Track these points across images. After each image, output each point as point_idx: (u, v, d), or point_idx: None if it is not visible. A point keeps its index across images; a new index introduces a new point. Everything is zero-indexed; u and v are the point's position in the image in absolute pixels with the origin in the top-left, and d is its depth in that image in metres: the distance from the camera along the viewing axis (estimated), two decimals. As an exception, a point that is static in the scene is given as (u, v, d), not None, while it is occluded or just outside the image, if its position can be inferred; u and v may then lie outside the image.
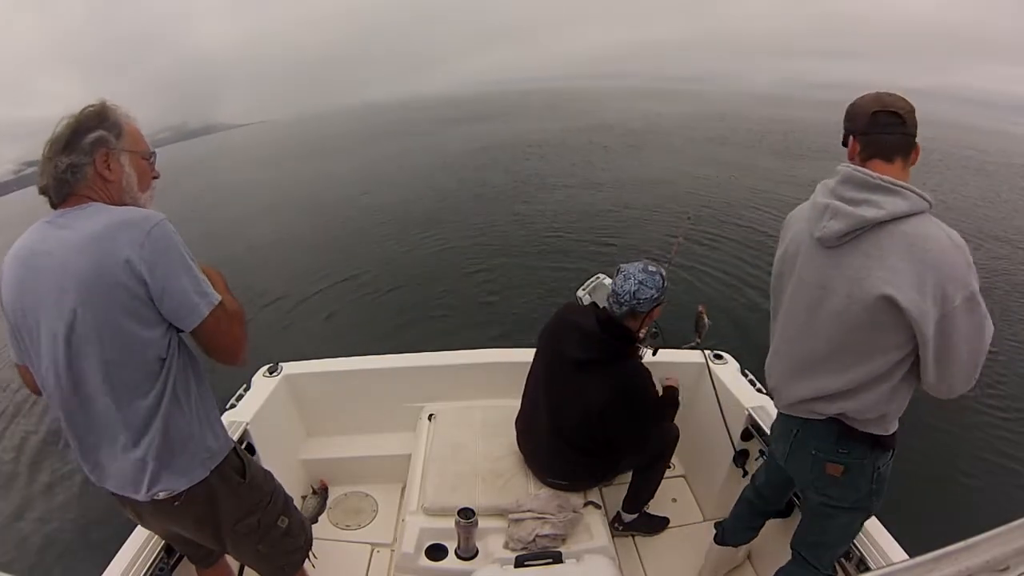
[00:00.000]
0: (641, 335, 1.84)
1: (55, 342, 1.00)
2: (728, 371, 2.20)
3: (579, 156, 13.65)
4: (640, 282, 1.57)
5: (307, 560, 1.46)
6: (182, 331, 1.08)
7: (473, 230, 8.05)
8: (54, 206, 1.05)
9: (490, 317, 5.40)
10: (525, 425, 1.90)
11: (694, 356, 2.27)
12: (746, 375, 2.19)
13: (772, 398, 1.48)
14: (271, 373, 2.24)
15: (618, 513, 2.05)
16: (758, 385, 2.11)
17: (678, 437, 1.95)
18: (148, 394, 1.05)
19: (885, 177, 1.12)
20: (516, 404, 1.95)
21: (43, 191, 1.05)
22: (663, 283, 1.61)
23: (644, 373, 1.68)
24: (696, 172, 11.37)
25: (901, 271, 1.08)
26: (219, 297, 1.08)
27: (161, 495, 1.10)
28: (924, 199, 1.11)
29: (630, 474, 1.97)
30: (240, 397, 2.08)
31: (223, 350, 1.12)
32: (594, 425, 1.67)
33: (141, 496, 1.10)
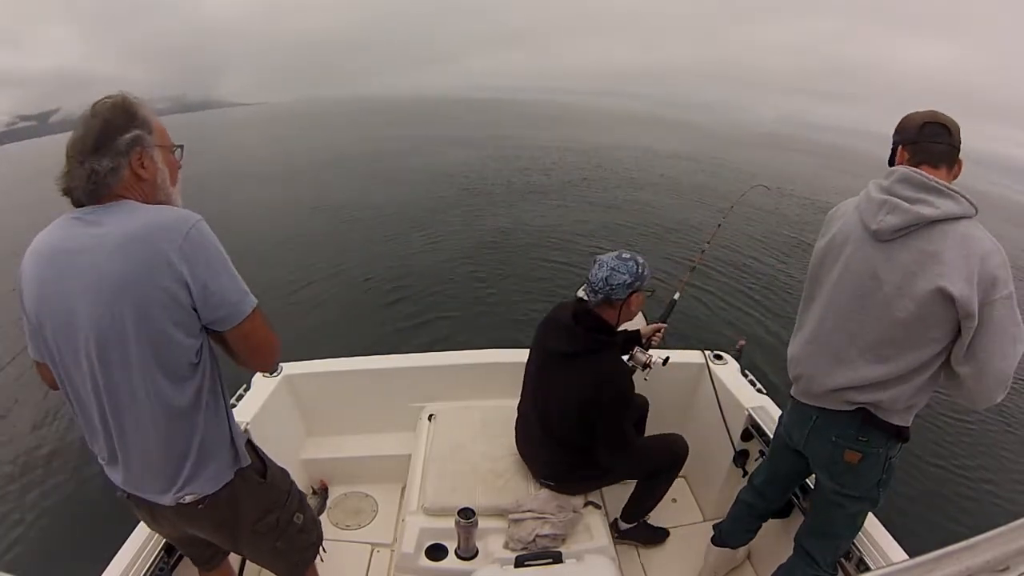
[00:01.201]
0: (647, 339, 1.83)
1: (88, 343, 0.98)
2: (728, 371, 2.20)
3: (584, 171, 13.63)
4: (612, 268, 1.55)
5: (318, 556, 1.47)
6: (220, 331, 1.05)
7: (475, 232, 8.06)
8: (81, 205, 1.01)
9: (491, 317, 5.41)
10: (522, 424, 1.90)
11: (694, 356, 2.27)
12: (746, 375, 2.18)
13: (795, 385, 1.48)
14: (271, 373, 2.24)
15: (615, 520, 2.02)
16: (758, 385, 2.11)
17: (688, 450, 1.89)
18: (182, 398, 1.04)
19: (940, 181, 1.19)
20: (516, 404, 1.95)
21: (67, 193, 1.00)
22: (639, 270, 1.57)
23: (620, 368, 1.65)
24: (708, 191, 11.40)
25: (953, 265, 1.14)
26: (256, 300, 1.07)
27: (187, 499, 1.10)
28: (973, 205, 1.18)
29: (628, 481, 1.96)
30: (240, 397, 2.08)
31: (258, 352, 1.12)
32: (576, 418, 1.64)
33: (167, 500, 1.09)
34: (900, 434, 1.31)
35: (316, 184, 12.64)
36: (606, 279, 1.55)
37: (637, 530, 2.03)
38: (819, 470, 1.48)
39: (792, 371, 1.48)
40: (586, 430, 1.65)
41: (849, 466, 1.36)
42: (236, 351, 1.10)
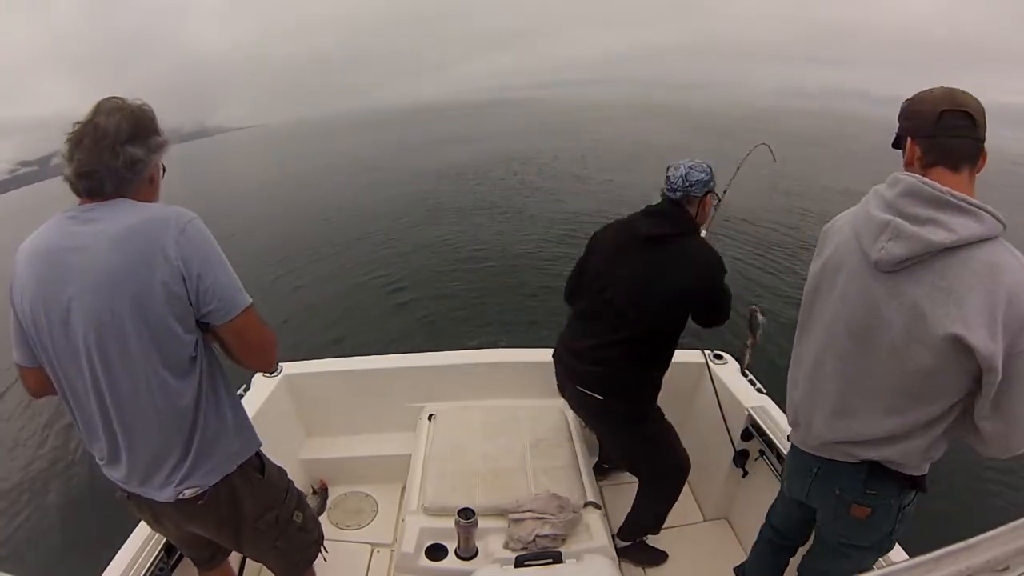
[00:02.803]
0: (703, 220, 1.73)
1: (88, 340, 0.98)
2: (728, 371, 2.20)
3: (576, 168, 13.62)
4: (690, 167, 1.62)
5: (320, 555, 1.48)
6: (214, 324, 1.06)
7: (474, 234, 8.07)
8: (91, 197, 1.00)
9: (490, 318, 5.41)
10: (578, 327, 1.78)
11: (694, 356, 2.27)
12: (746, 375, 2.18)
13: (792, 430, 1.30)
14: (271, 373, 2.24)
15: (612, 536, 1.92)
16: (758, 385, 2.11)
17: (689, 468, 1.84)
18: (183, 392, 1.05)
19: (957, 193, 0.96)
20: (516, 404, 1.94)
21: (87, 176, 0.97)
22: (711, 171, 1.64)
23: (715, 255, 1.63)
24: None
25: (971, 306, 0.92)
26: (250, 299, 1.09)
27: (187, 493, 1.10)
28: (1000, 221, 0.95)
29: (629, 476, 1.94)
30: (240, 397, 2.08)
31: (252, 350, 1.13)
32: (660, 305, 1.61)
33: (167, 495, 1.10)
34: (916, 484, 1.15)
35: (314, 193, 12.74)
36: (685, 176, 1.61)
37: (634, 549, 1.96)
38: (824, 523, 1.32)
39: (788, 415, 1.30)
40: (672, 316, 1.63)
41: (858, 521, 1.21)
42: (231, 348, 1.11)
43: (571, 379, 1.76)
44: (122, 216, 0.98)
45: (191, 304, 1.01)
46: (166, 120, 1.08)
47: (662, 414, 1.80)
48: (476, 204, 10.00)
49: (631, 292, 1.63)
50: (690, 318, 1.68)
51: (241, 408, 1.21)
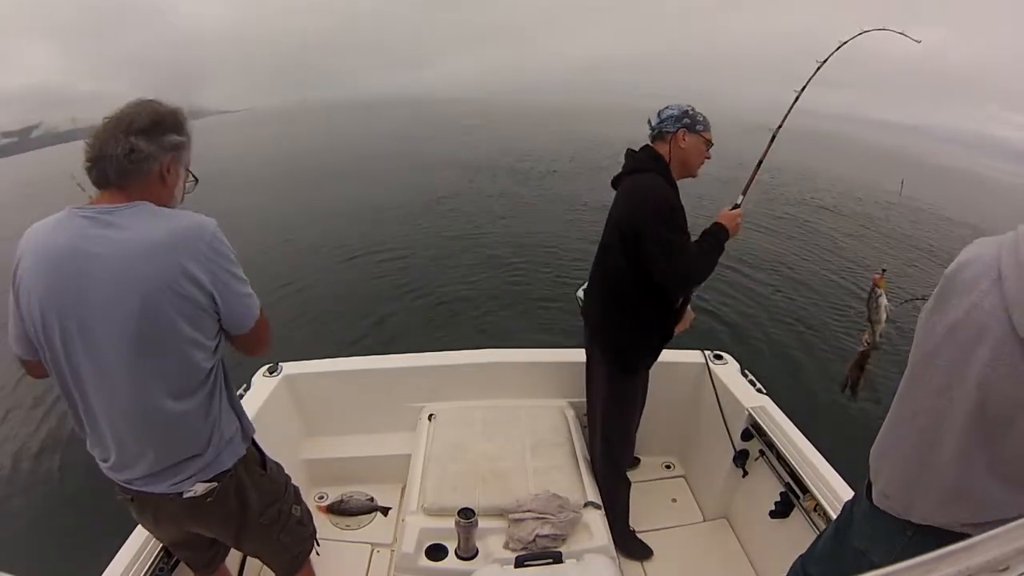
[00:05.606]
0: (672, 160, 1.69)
1: (119, 352, 0.97)
2: (728, 371, 2.20)
3: (580, 179, 13.62)
4: (666, 106, 1.70)
5: (313, 549, 1.50)
6: (234, 334, 1.11)
7: (473, 234, 8.06)
8: (104, 181, 0.99)
9: (490, 318, 5.41)
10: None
11: (694, 356, 2.28)
12: (746, 375, 2.18)
13: (880, 496, 1.06)
14: (271, 373, 2.24)
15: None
16: (758, 385, 2.12)
17: (630, 456, 1.93)
18: (202, 393, 1.07)
19: None
20: (516, 404, 1.94)
21: (96, 161, 0.98)
22: (690, 111, 1.68)
23: (657, 183, 1.61)
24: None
25: None
26: (259, 301, 1.13)
27: (199, 489, 1.12)
28: None
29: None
30: (240, 397, 2.08)
31: (260, 343, 1.20)
32: (618, 240, 1.66)
33: (177, 490, 1.11)
34: None
35: (309, 185, 12.66)
36: (659, 113, 1.70)
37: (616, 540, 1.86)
38: None
39: (876, 483, 1.07)
40: (625, 256, 1.64)
41: None
42: (240, 346, 1.16)
43: (592, 336, 1.88)
44: (145, 226, 0.96)
45: (216, 315, 1.05)
46: (153, 95, 1.08)
47: (641, 398, 1.84)
48: (477, 204, 9.99)
49: (606, 236, 1.76)
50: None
51: (234, 390, 1.23)
